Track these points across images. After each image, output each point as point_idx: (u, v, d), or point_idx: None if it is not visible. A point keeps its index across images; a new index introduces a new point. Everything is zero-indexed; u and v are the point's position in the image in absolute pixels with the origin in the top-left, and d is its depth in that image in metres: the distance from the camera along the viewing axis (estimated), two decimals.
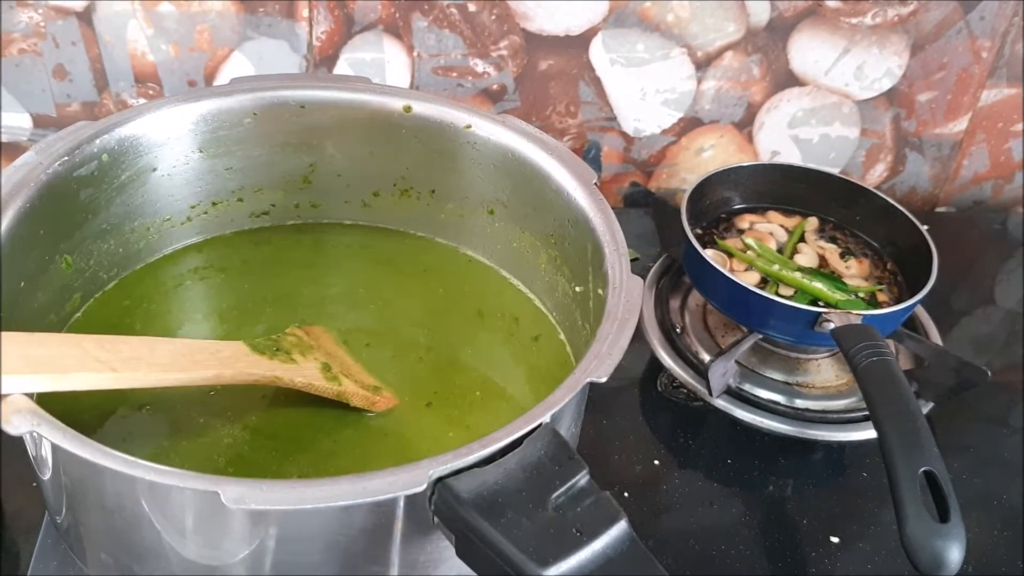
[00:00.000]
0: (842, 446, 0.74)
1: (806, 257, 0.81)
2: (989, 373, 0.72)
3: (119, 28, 0.84)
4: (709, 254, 0.77)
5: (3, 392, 0.44)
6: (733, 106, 0.95)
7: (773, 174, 0.87)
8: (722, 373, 0.73)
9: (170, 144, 0.65)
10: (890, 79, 0.95)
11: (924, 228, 0.79)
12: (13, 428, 0.44)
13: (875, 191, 0.84)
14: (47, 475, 0.50)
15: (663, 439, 0.74)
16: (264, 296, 0.68)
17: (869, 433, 0.71)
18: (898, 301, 0.77)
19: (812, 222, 0.85)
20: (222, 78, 0.88)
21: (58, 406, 0.47)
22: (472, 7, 0.86)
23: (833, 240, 0.84)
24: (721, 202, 0.86)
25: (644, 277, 0.82)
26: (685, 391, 0.77)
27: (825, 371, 0.79)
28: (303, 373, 0.58)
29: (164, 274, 0.68)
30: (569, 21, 0.88)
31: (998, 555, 0.67)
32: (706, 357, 0.78)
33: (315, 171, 0.71)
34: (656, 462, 0.72)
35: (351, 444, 0.58)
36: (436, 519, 0.45)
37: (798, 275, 0.78)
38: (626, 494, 0.69)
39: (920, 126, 0.98)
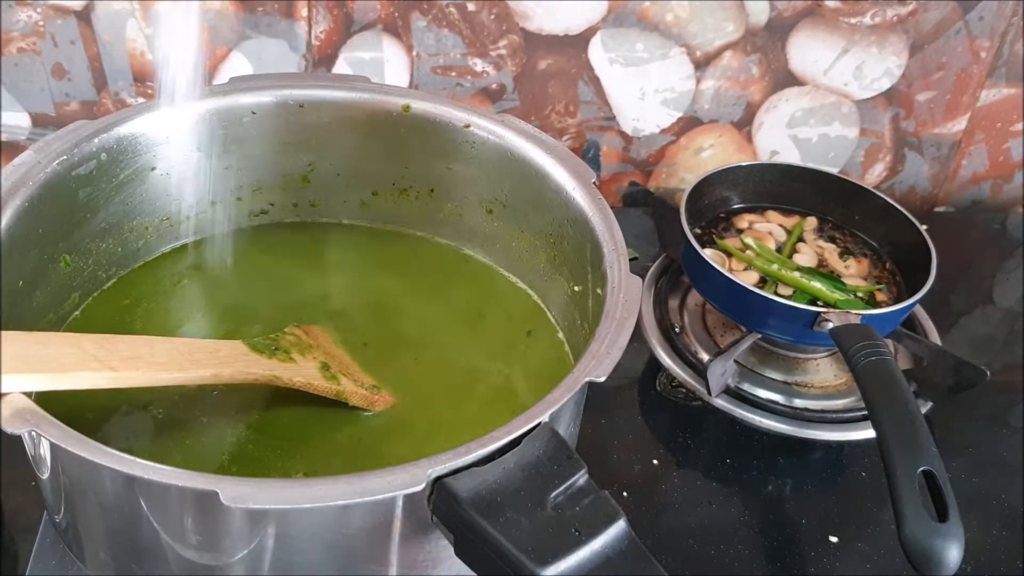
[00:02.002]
0: (841, 446, 0.74)
1: (805, 257, 0.81)
2: (988, 373, 0.72)
3: (118, 27, 0.84)
4: (708, 253, 0.76)
5: (2, 391, 0.44)
6: (732, 106, 0.95)
7: (772, 174, 0.87)
8: (721, 373, 0.73)
9: (169, 143, 0.65)
10: (889, 79, 0.95)
11: (923, 228, 0.79)
12: (12, 427, 0.44)
13: (874, 191, 0.84)
14: (46, 474, 0.50)
15: (662, 439, 0.74)
16: (262, 295, 0.68)
17: (868, 433, 0.71)
18: (897, 301, 0.77)
19: (811, 222, 0.85)
20: (221, 77, 0.88)
21: (61, 405, 0.47)
22: (471, 6, 0.86)
23: (832, 240, 0.84)
24: (720, 201, 0.86)
25: (643, 277, 0.82)
26: (684, 391, 0.77)
27: (824, 371, 0.79)
28: (302, 372, 0.58)
29: (162, 273, 0.68)
30: (568, 20, 0.88)
31: (997, 555, 0.67)
32: (705, 357, 0.78)
33: (314, 170, 0.71)
34: (655, 462, 0.72)
35: (352, 442, 0.58)
36: (435, 518, 0.45)
37: (797, 275, 0.78)
38: (625, 493, 0.69)
39: (919, 126, 0.98)
